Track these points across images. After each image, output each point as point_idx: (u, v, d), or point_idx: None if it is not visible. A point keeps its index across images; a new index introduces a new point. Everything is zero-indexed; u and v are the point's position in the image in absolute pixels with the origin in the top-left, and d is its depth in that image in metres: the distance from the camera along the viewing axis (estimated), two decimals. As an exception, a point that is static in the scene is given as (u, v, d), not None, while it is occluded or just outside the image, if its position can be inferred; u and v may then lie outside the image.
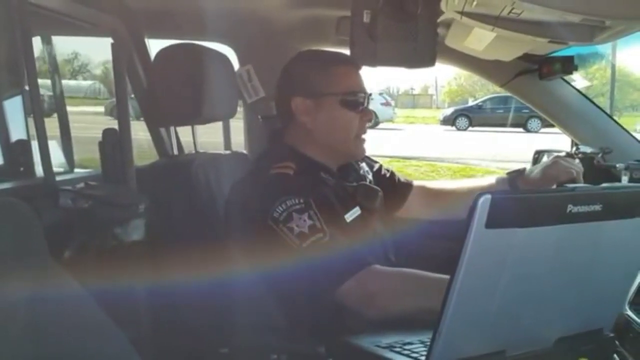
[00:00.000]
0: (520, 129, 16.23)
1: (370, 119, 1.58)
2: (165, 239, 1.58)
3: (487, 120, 17.53)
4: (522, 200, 0.92)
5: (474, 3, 1.21)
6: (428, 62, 1.35)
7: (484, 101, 18.96)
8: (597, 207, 0.94)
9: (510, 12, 1.21)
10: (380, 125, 17.28)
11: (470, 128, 17.83)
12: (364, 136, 1.60)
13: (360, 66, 1.57)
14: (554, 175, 1.61)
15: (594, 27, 1.28)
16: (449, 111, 19.78)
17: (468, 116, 18.44)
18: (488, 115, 17.82)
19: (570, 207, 0.91)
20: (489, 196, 0.84)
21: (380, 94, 19.28)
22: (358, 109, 1.55)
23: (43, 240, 1.09)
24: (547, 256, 0.94)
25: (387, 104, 18.69)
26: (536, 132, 16.03)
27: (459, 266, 0.86)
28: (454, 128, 18.04)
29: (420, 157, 10.46)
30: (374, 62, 1.39)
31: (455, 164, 9.80)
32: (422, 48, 1.33)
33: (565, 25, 1.28)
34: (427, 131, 17.79)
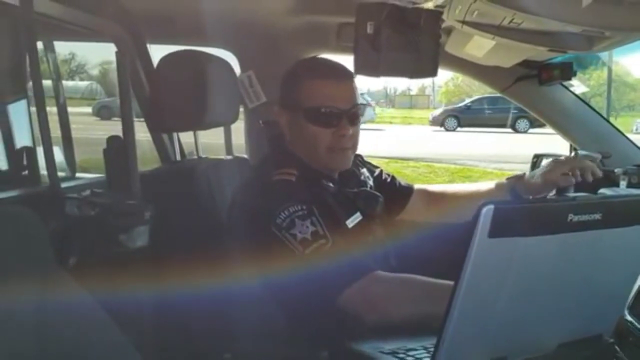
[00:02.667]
0: (509, 130, 16.38)
1: (345, 134, 1.51)
2: (168, 245, 1.58)
3: (475, 120, 17.58)
4: (524, 210, 0.93)
5: (475, 13, 1.23)
6: (430, 72, 1.36)
7: (472, 102, 19.04)
8: (597, 216, 0.95)
9: (510, 22, 1.23)
10: (362, 126, 17.28)
11: (458, 128, 17.90)
12: (346, 147, 1.55)
13: (347, 80, 1.53)
14: (554, 180, 1.62)
15: (593, 37, 1.29)
16: (437, 112, 19.84)
17: (457, 117, 18.49)
18: (476, 115, 17.88)
19: (571, 217, 0.92)
20: (492, 206, 0.85)
21: (362, 94, 19.24)
22: (327, 125, 1.51)
23: (49, 247, 1.10)
24: (549, 264, 0.95)
25: (367, 104, 18.70)
26: (525, 132, 16.20)
27: (462, 275, 0.87)
28: (442, 129, 18.09)
29: (418, 158, 10.47)
30: (376, 72, 1.40)
31: (452, 165, 9.81)
32: (424, 58, 1.34)
33: (564, 35, 1.30)
34: (415, 132, 17.76)
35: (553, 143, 2.25)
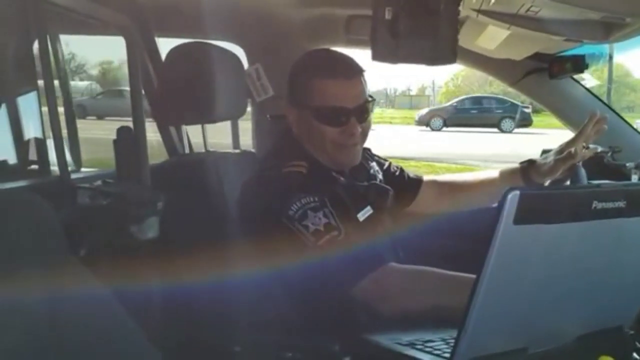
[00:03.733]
0: (495, 129, 16.54)
1: (355, 133, 1.49)
2: (178, 237, 1.57)
3: (461, 120, 17.80)
4: (549, 196, 0.91)
5: (492, 1, 1.22)
6: (449, 58, 1.34)
7: (458, 102, 19.23)
8: (622, 204, 0.93)
9: (528, 10, 1.21)
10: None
11: (444, 128, 18.00)
12: (355, 143, 1.53)
13: (356, 76, 1.50)
14: (568, 157, 1.58)
15: (610, 25, 1.28)
16: (423, 112, 20.01)
17: (442, 117, 18.62)
18: (462, 115, 18.07)
19: (595, 204, 0.91)
20: (517, 192, 0.83)
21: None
22: (336, 124, 1.49)
23: (62, 236, 1.09)
24: (571, 252, 0.94)
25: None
26: (510, 132, 16.40)
27: (486, 263, 0.86)
28: (428, 128, 18.16)
29: (419, 157, 10.47)
30: (395, 59, 1.38)
31: (454, 165, 9.81)
32: (443, 44, 1.32)
33: (581, 24, 1.28)
34: (400, 132, 17.75)
35: (546, 142, 2.22)
